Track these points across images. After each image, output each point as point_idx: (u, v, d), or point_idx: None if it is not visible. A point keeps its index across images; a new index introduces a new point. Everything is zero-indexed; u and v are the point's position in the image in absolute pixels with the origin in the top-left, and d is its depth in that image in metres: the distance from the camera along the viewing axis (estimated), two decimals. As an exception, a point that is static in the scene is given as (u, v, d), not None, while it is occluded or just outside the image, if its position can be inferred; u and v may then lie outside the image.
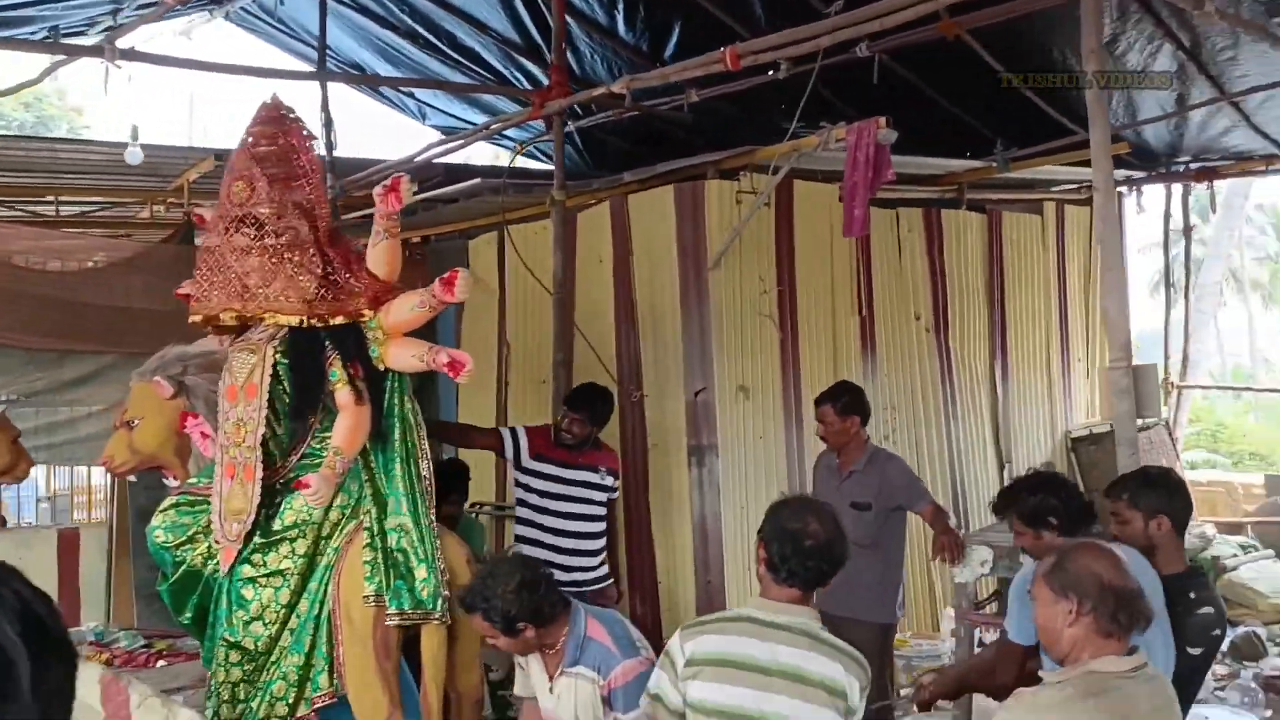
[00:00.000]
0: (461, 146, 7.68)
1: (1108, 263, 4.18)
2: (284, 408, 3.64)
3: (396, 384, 3.70)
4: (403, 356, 3.62)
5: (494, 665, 4.74)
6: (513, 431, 4.92)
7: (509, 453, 4.83)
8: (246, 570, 3.61)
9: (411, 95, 8.68)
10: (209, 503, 3.73)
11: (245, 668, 3.60)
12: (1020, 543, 3.40)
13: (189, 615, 3.83)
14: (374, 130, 10.76)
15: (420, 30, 7.77)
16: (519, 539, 4.84)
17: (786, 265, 6.15)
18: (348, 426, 3.54)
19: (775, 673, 2.59)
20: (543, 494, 4.81)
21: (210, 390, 3.87)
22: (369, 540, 3.57)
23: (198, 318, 3.76)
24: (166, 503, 3.87)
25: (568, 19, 6.36)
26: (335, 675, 3.54)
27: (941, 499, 6.32)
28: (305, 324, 3.57)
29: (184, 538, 3.76)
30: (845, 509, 4.70)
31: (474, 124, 8.55)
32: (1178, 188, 8.34)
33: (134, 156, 6.35)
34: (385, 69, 8.31)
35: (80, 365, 6.86)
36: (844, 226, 5.20)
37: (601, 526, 4.97)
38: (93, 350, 6.87)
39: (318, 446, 3.66)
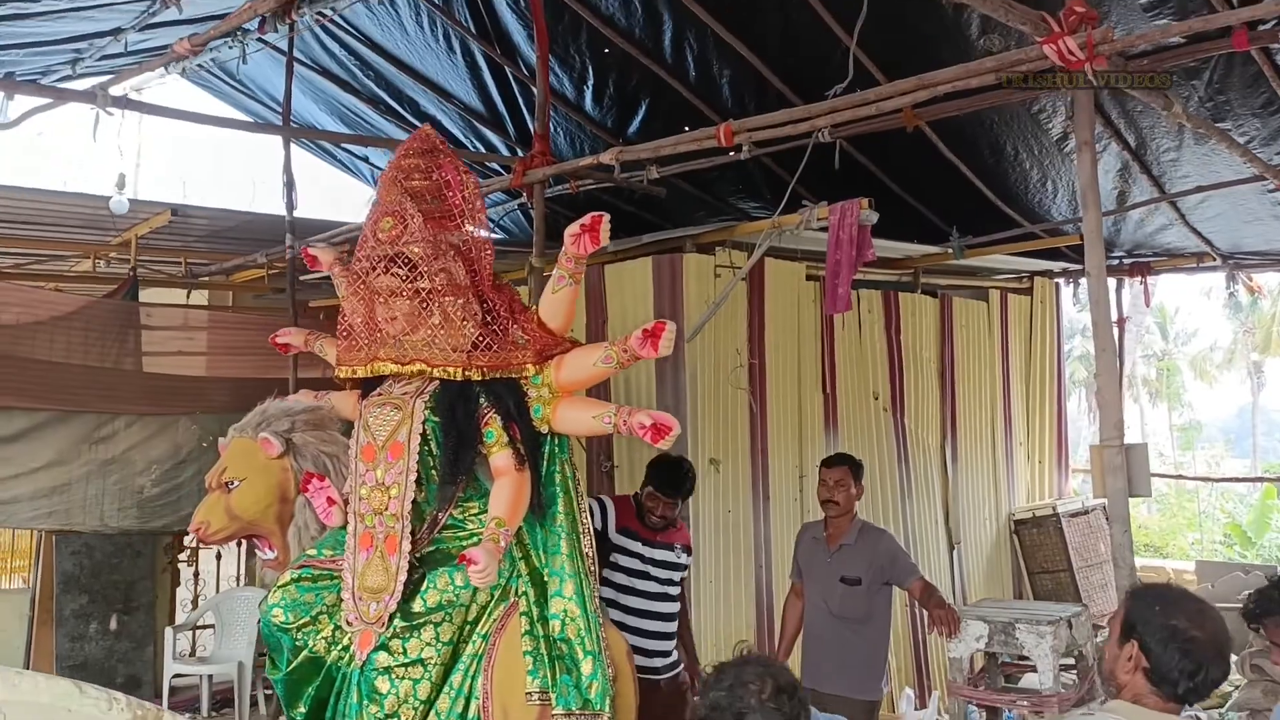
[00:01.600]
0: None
1: (1100, 344, 4.30)
2: (428, 471, 3.24)
3: (556, 447, 3.34)
4: (579, 418, 3.27)
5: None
6: (600, 501, 4.61)
7: (597, 522, 4.45)
8: (382, 658, 3.14)
9: (367, 160, 8.62)
10: (334, 578, 3.31)
11: None
12: None
13: (303, 711, 3.32)
14: (324, 196, 10.62)
15: (383, 95, 7.75)
16: None
17: (758, 340, 6.22)
18: (510, 495, 3.16)
19: None
20: (629, 572, 4.49)
21: (320, 450, 3.53)
22: (528, 627, 3.18)
23: (344, 373, 3.39)
24: (285, 577, 3.38)
25: (535, 92, 6.39)
26: None
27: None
28: (461, 377, 3.22)
29: (306, 618, 3.27)
30: (835, 583, 4.70)
31: (429, 191, 8.50)
32: (1112, 281, 8.69)
33: (120, 206, 6.09)
34: (344, 132, 8.26)
35: (11, 422, 6.46)
36: (827, 304, 5.27)
37: (678, 607, 4.67)
38: (26, 407, 6.51)
39: (459, 516, 3.30)
